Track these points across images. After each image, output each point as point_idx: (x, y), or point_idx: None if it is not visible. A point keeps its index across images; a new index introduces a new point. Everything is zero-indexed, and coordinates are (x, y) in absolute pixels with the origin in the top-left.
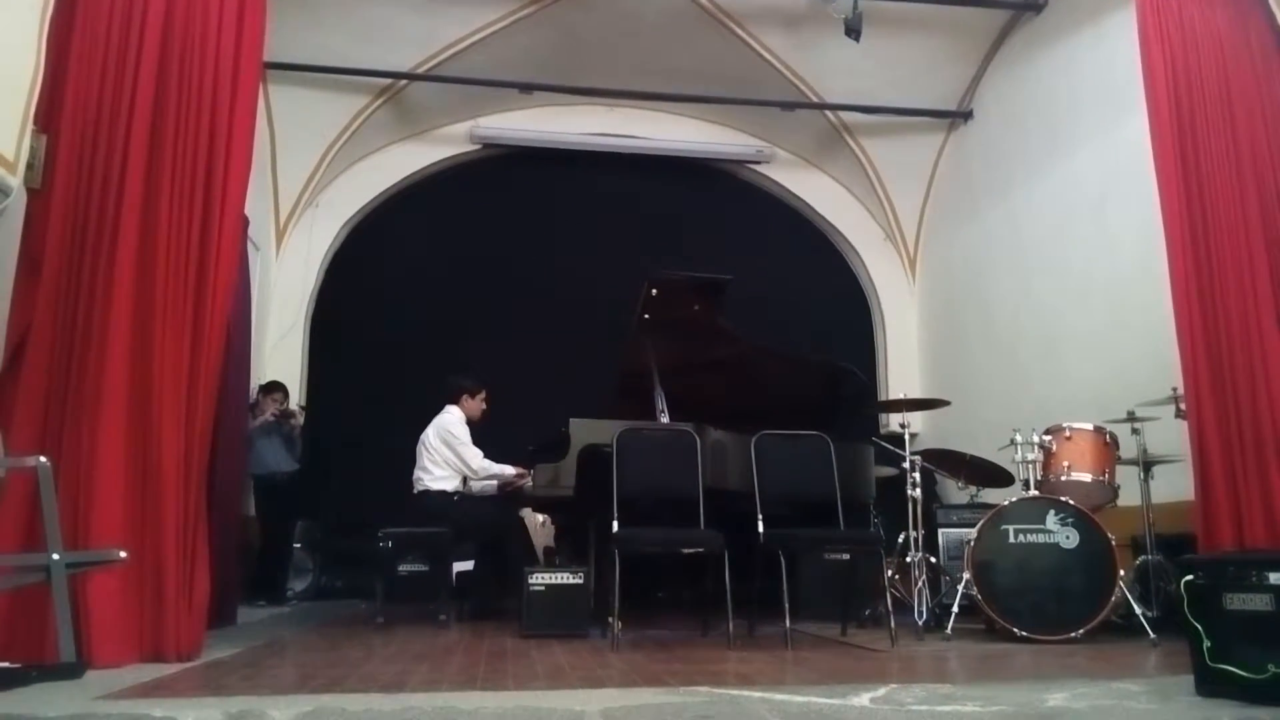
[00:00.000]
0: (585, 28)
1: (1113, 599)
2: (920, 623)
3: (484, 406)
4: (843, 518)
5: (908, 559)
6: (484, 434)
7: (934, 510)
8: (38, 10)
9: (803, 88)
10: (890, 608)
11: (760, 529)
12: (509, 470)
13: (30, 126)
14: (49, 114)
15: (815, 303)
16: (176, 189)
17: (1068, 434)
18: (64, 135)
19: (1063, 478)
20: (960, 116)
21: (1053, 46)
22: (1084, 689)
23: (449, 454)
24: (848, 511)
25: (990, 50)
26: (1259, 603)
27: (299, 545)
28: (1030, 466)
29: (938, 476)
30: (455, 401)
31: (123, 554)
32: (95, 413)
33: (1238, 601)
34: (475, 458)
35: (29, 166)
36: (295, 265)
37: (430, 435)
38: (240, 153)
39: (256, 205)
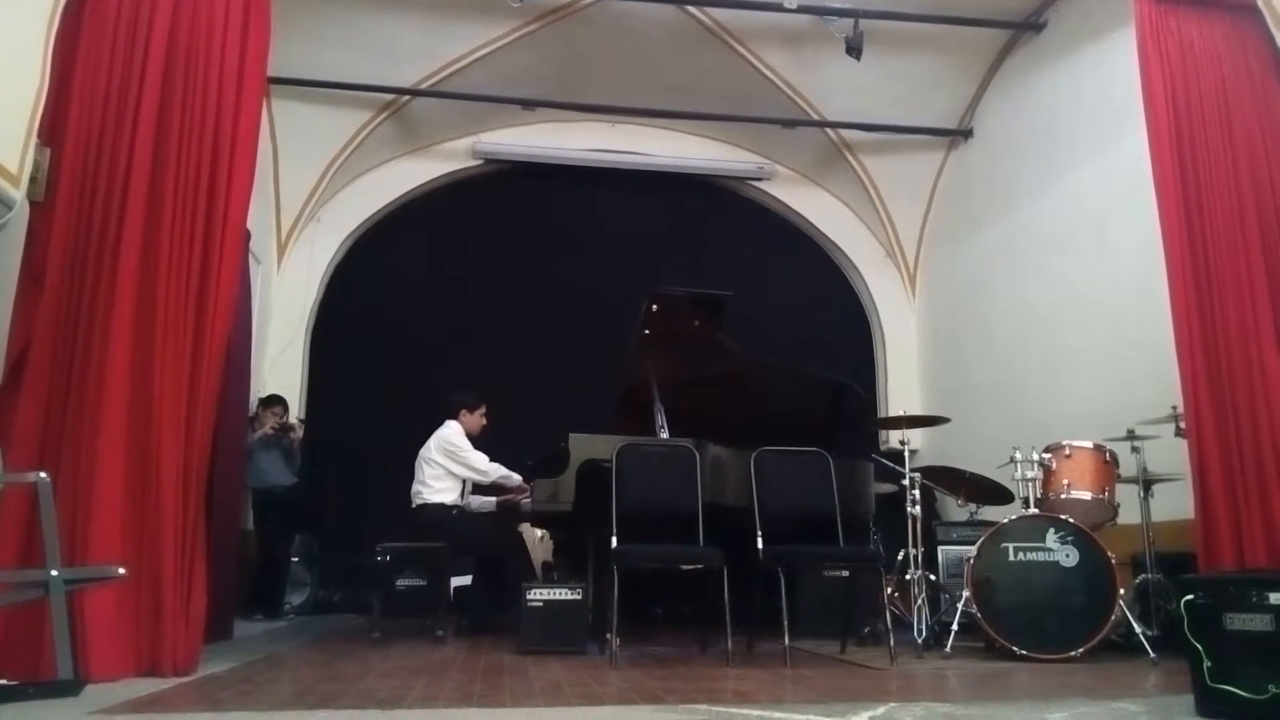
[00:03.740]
0: (587, 45)
1: (1113, 618)
2: (920, 641)
3: (484, 422)
4: (842, 535)
5: (907, 576)
6: (484, 448)
7: (933, 527)
8: (43, 23)
9: (804, 105)
10: (889, 625)
11: (759, 545)
12: (516, 475)
13: (34, 140)
14: (53, 127)
15: (815, 319)
16: (179, 202)
17: (1067, 452)
18: (68, 149)
19: (1062, 495)
20: (961, 135)
21: (1053, 66)
22: (1084, 708)
23: (453, 465)
24: (847, 528)
25: (991, 69)
26: (1259, 623)
27: (297, 559)
28: (1030, 484)
29: (937, 494)
30: (455, 417)
31: (122, 570)
32: (95, 426)
33: (1238, 621)
34: (481, 460)
35: (32, 180)
36: (296, 279)
37: (430, 449)
38: (243, 167)
39: (258, 219)
